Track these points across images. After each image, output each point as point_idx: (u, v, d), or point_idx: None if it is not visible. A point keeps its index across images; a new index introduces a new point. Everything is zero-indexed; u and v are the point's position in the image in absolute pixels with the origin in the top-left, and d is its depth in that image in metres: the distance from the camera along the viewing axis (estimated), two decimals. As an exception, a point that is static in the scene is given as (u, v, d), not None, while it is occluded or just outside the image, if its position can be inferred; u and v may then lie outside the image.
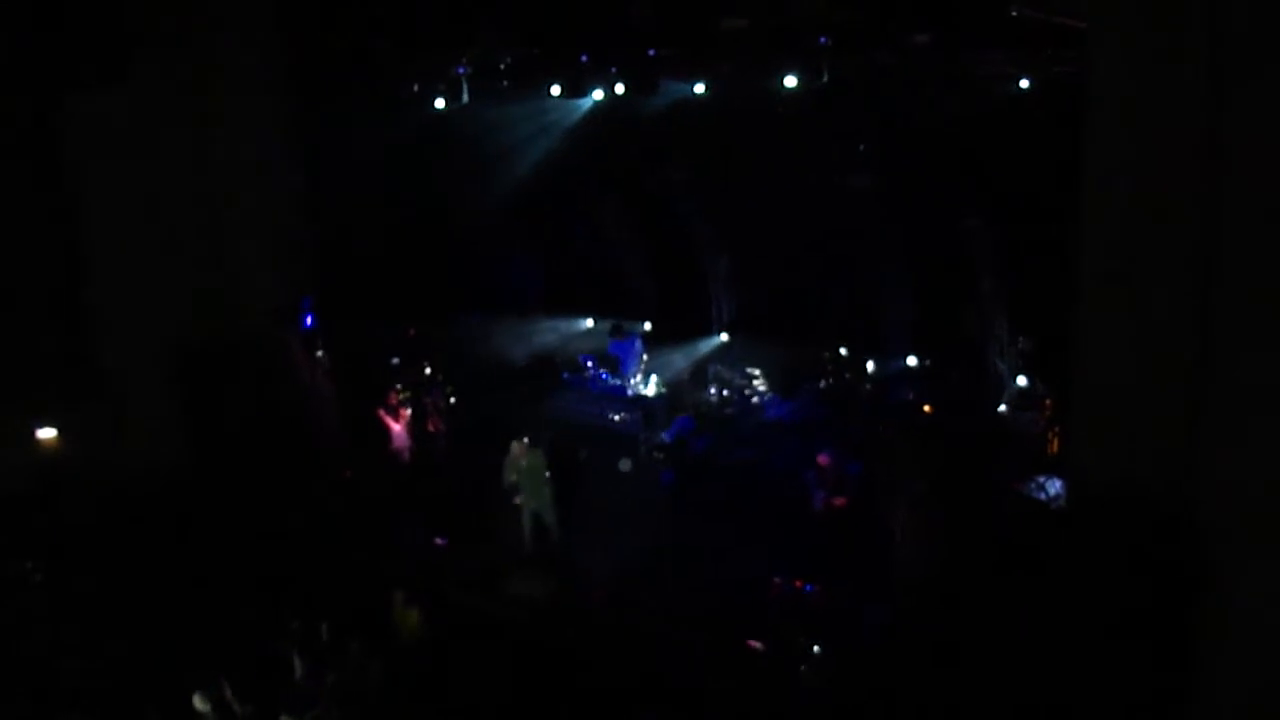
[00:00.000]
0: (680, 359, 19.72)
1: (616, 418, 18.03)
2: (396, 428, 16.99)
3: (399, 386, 17.20)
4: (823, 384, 17.76)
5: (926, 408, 16.30)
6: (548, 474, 14.93)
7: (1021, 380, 15.73)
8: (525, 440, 14.98)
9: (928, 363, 17.63)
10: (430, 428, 17.40)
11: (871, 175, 16.41)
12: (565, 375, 19.32)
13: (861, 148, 16.30)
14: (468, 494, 16.08)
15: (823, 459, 14.51)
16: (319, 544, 14.51)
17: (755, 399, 18.21)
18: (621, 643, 12.53)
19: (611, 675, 11.77)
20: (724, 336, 20.10)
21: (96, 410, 15.31)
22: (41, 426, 14.87)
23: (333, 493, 15.92)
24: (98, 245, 15.39)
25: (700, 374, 19.30)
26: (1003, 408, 15.86)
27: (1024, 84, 13.21)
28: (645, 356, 18.94)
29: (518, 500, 14.86)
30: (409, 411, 17.03)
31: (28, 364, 14.93)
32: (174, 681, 10.28)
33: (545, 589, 13.57)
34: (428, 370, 18.18)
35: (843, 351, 17.93)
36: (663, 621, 12.83)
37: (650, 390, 18.44)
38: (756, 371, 18.50)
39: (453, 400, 18.04)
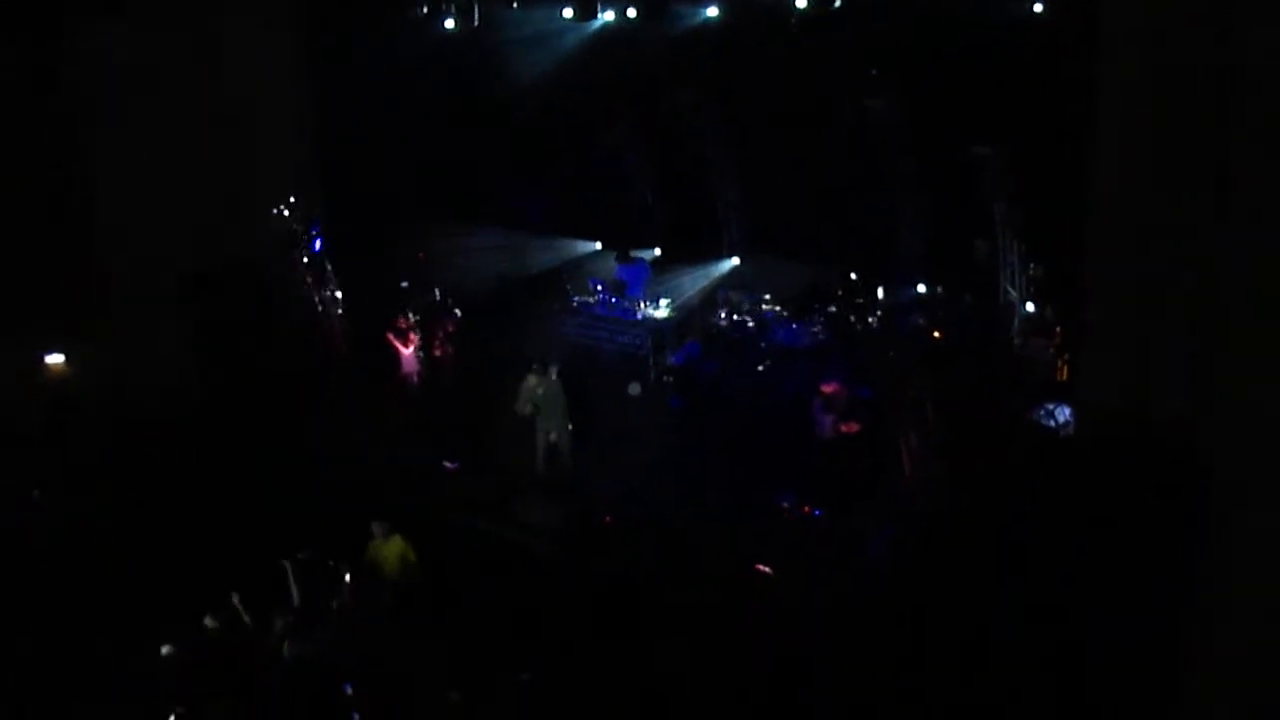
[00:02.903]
0: (690, 283, 19.61)
1: (625, 340, 18.05)
2: (406, 352, 16.91)
3: (408, 311, 17.04)
4: (833, 309, 17.59)
5: (936, 334, 16.20)
6: (563, 401, 15.01)
7: (1031, 307, 15.62)
8: (542, 368, 15.01)
9: (939, 289, 17.50)
10: (439, 352, 17.32)
11: (884, 98, 16.26)
12: (574, 299, 19.21)
13: (874, 71, 16.10)
14: (478, 418, 16.14)
15: (828, 387, 14.46)
16: (328, 467, 14.58)
17: (765, 324, 18.03)
18: (631, 568, 12.64)
19: (621, 601, 11.84)
20: (734, 260, 19.94)
21: (105, 335, 15.37)
22: (50, 353, 15.01)
23: (341, 417, 15.95)
24: (104, 172, 15.38)
25: (710, 298, 19.15)
26: (1013, 335, 15.79)
27: (1038, 7, 13.27)
28: (651, 281, 18.89)
29: (539, 426, 14.96)
30: (418, 336, 16.95)
31: (35, 291, 14.98)
32: (184, 602, 10.35)
33: (557, 513, 13.78)
34: (437, 294, 18.07)
35: (853, 277, 17.74)
36: (672, 546, 12.89)
37: (659, 313, 18.41)
38: (767, 296, 18.35)
39: (462, 324, 17.91)
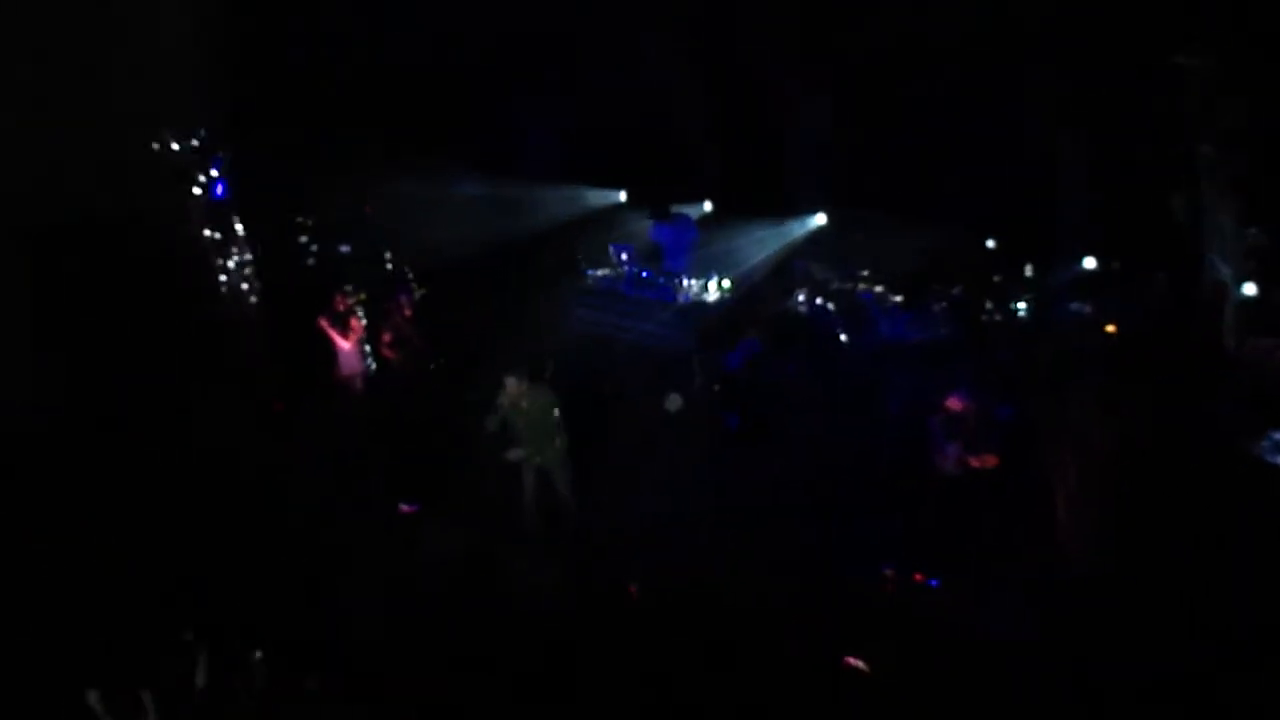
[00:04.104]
0: (753, 250, 19.75)
1: (659, 332, 18.13)
2: (345, 346, 17.08)
3: (349, 287, 17.21)
4: (960, 292, 17.73)
5: (1110, 328, 16.32)
6: (558, 417, 14.86)
7: (1252, 290, 15.51)
8: (527, 370, 14.88)
9: (1113, 265, 17.56)
10: (392, 347, 17.44)
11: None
12: (589, 272, 19.42)
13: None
14: (447, 441, 16.21)
15: (953, 402, 14.48)
16: (233, 512, 14.40)
17: (862, 311, 18.12)
18: (663, 656, 12.14)
19: (642, 704, 11.73)
20: (818, 219, 20.01)
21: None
22: None
23: (254, 437, 16.06)
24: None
25: (783, 273, 19.29)
26: (1225, 330, 15.67)
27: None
28: (698, 247, 19.03)
29: (514, 455, 14.87)
30: (363, 323, 17.11)
31: None
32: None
33: (554, 579, 13.68)
34: (389, 263, 18.29)
35: (990, 245, 17.82)
36: (725, 630, 12.55)
37: (710, 295, 18.54)
38: (865, 273, 18.45)
39: (426, 307, 18.11)
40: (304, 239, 18.71)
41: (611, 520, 14.98)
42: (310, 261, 18.45)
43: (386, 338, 17.46)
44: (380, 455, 16.32)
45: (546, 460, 14.88)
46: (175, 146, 16.54)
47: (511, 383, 14.48)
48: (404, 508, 15.37)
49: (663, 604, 13.24)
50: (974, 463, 14.37)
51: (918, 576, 13.33)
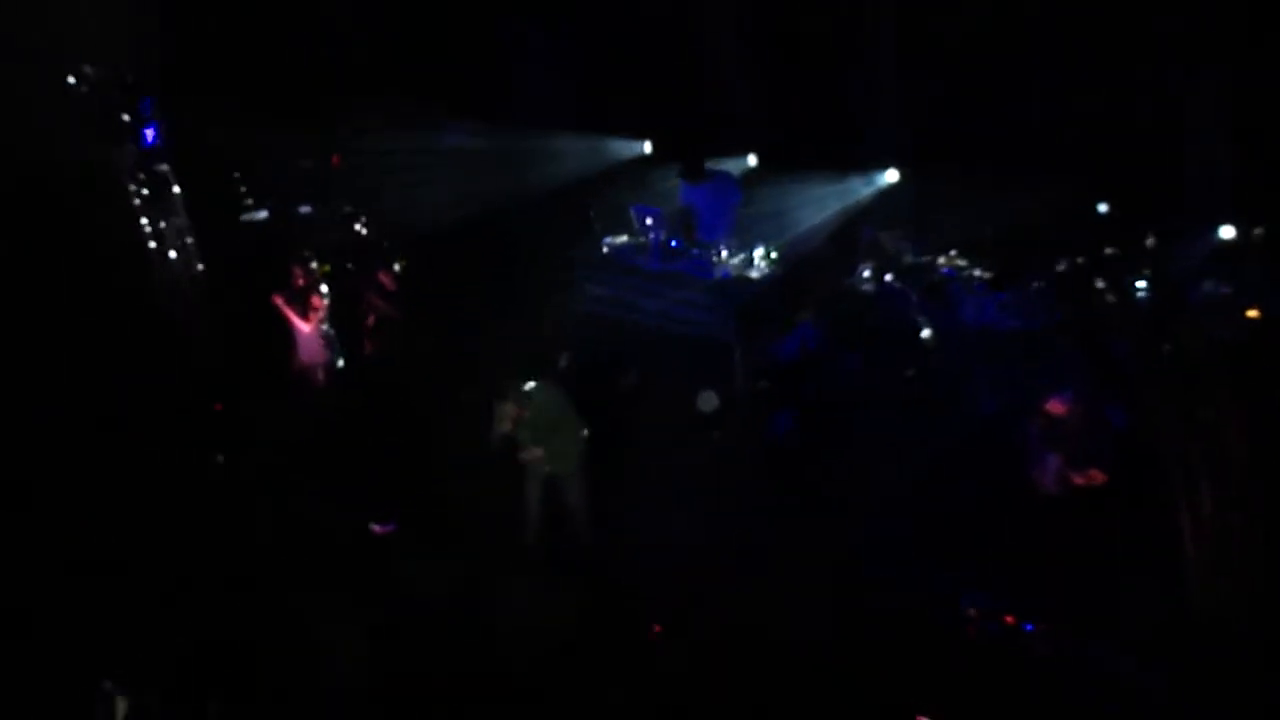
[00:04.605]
0: (807, 215, 19.45)
1: (691, 316, 17.91)
2: (305, 329, 16.86)
3: (309, 256, 16.97)
4: (1062, 268, 17.45)
5: (1253, 313, 16.13)
6: (573, 418, 14.60)
7: None
8: (536, 364, 14.79)
9: (1256, 234, 17.35)
10: (369, 331, 17.37)
11: None
12: (605, 240, 19.12)
13: None
14: (429, 446, 16.16)
15: (1055, 405, 14.29)
16: (168, 531, 14.21)
17: (943, 291, 17.86)
18: (692, 715, 12.22)
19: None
20: (889, 176, 19.75)
21: None
22: None
23: (194, 438, 15.94)
24: None
25: (845, 243, 19.01)
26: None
27: None
28: (740, 211, 18.82)
29: (529, 456, 14.60)
30: (326, 301, 16.84)
31: None
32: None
33: (561, 616, 13.40)
34: (362, 229, 18.03)
35: (1102, 210, 17.67)
36: (771, 677, 12.41)
37: (754, 270, 18.24)
38: (947, 244, 18.29)
39: (407, 282, 17.92)
40: (254, 198, 18.54)
41: (633, 544, 14.72)
42: (262, 225, 18.28)
43: (369, 321, 17.49)
44: (348, 464, 16.13)
45: (558, 468, 14.59)
46: (96, 85, 16.37)
47: (518, 382, 14.31)
48: (376, 528, 15.20)
49: (693, 649, 13.09)
50: (1079, 479, 14.17)
51: (1008, 618, 13.02)
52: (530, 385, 14.32)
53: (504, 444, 14.55)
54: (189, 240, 17.26)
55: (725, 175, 19.29)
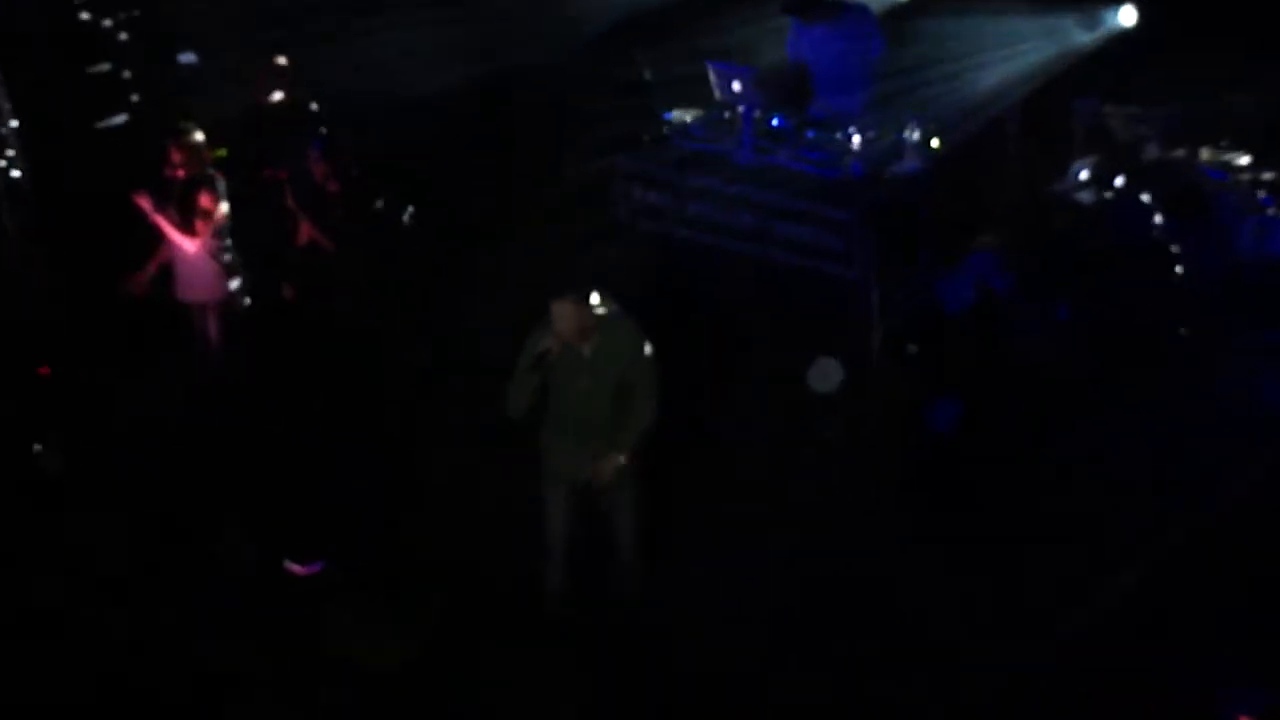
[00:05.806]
0: (990, 76, 16.24)
1: (805, 240, 14.39)
2: (190, 247, 13.61)
3: (191, 128, 13.46)
4: None
5: None
6: (652, 381, 10.96)
7: None
8: (586, 293, 11.03)
9: None
10: (290, 249, 14.30)
11: None
12: (666, 117, 15.56)
13: None
14: (385, 436, 13.51)
15: None
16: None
17: (1206, 204, 14.49)
18: None
19: None
20: (1124, 17, 16.39)
21: None
22: None
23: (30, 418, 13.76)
24: None
25: (1049, 124, 15.79)
26: None
27: None
28: (880, 68, 15.88)
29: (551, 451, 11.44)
30: (224, 205, 13.53)
31: None
32: None
33: (587, 711, 10.68)
34: (282, 88, 15.06)
35: None
36: None
37: (903, 164, 14.76)
38: (1224, 142, 15.05)
39: (365, 185, 14.86)
40: (104, 37, 15.71)
41: (704, 603, 11.44)
42: (116, 80, 15.53)
43: (296, 237, 14.05)
44: (252, 465, 13.14)
45: (601, 471, 11.04)
46: None
47: (564, 307, 10.61)
48: (295, 568, 12.21)
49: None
50: None
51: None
52: (595, 302, 10.89)
53: (517, 409, 10.82)
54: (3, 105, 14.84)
55: (859, 11, 15.57)
